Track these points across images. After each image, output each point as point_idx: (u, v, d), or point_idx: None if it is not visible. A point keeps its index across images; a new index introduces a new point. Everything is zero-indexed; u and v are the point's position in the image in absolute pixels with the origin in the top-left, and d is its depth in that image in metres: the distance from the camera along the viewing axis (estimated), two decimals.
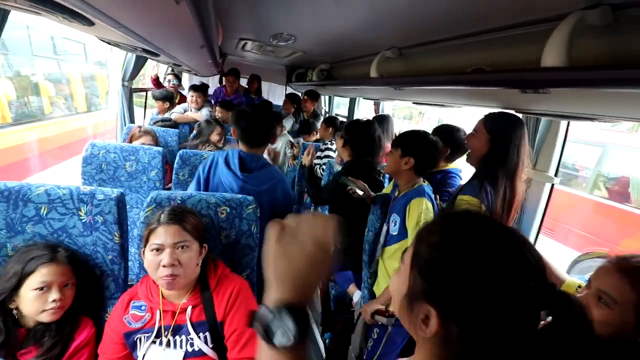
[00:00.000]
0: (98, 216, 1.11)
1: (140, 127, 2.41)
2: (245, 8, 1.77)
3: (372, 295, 1.54)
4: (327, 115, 4.35)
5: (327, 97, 4.97)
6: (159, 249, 0.96)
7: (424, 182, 1.44)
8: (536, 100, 1.19)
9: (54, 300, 0.95)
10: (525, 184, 1.37)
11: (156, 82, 3.81)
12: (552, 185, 1.64)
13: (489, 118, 1.34)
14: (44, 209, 1.07)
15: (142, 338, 0.99)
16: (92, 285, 1.12)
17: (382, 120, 2.50)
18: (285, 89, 5.52)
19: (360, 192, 1.62)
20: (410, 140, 1.43)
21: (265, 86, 5.36)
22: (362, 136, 1.87)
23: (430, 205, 1.35)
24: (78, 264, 1.06)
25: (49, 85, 3.93)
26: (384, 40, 1.81)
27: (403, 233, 1.38)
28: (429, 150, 1.42)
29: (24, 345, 0.95)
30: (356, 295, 1.87)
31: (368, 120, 1.99)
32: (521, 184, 1.30)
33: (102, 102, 5.52)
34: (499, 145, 1.28)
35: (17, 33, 3.33)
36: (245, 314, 1.02)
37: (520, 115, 1.56)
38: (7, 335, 0.91)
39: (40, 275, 0.95)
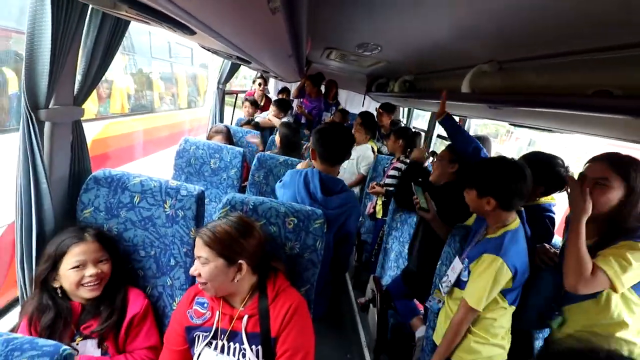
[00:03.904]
0: (180, 210, 1.19)
1: (212, 127, 2.62)
2: (334, 18, 1.76)
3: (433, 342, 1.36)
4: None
5: (406, 109, 4.76)
6: (198, 257, 1.00)
7: (513, 222, 1.21)
8: None
9: (90, 275, 1.04)
10: None
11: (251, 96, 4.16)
12: None
13: (624, 165, 1.07)
14: (137, 198, 1.19)
15: (201, 336, 1.02)
16: (128, 259, 1.22)
17: (481, 141, 2.27)
18: (364, 99, 5.47)
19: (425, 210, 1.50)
20: (486, 176, 1.20)
21: (343, 94, 5.39)
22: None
23: (506, 269, 1.13)
24: (107, 241, 1.13)
25: (160, 83, 4.55)
26: (480, 52, 1.61)
27: None
28: (511, 184, 1.17)
29: (83, 321, 1.05)
30: (420, 331, 1.70)
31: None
32: None
33: (200, 100, 6.20)
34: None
35: (141, 37, 3.93)
36: (299, 333, 0.98)
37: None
38: (58, 309, 1.01)
39: (73, 254, 1.04)
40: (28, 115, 1.02)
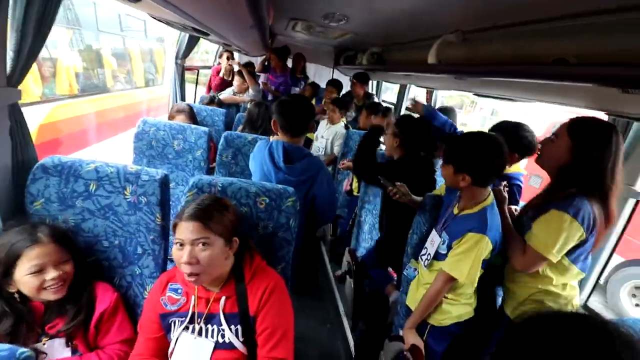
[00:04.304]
0: (142, 197, 1.12)
1: (173, 106, 2.48)
2: None
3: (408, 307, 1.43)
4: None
5: (374, 82, 4.74)
6: (181, 244, 0.93)
7: (489, 198, 1.24)
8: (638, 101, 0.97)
9: (53, 279, 0.95)
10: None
11: (217, 73, 3.91)
12: (637, 201, 1.40)
13: (577, 125, 1.11)
14: (93, 186, 1.10)
15: (177, 322, 1.00)
16: (91, 251, 1.14)
17: (445, 113, 2.30)
18: (333, 72, 5.37)
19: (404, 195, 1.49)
20: (464, 153, 1.20)
21: (311, 68, 5.24)
22: (418, 134, 1.68)
23: (489, 244, 1.17)
24: (64, 239, 1.03)
25: (112, 59, 4.17)
26: (446, 22, 1.61)
27: None
28: (488, 161, 1.17)
29: (48, 320, 0.98)
30: (394, 295, 1.78)
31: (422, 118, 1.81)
32: (614, 209, 1.10)
33: (158, 78, 5.79)
34: (587, 157, 1.07)
35: (86, 10, 3.54)
36: (277, 311, 0.99)
37: (606, 118, 1.33)
38: (18, 314, 0.93)
39: (29, 259, 0.93)
40: None
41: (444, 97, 3.15)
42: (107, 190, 1.11)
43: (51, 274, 0.95)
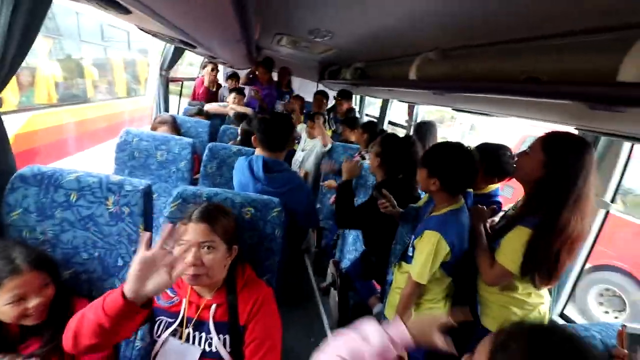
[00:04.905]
0: (125, 207, 1.10)
1: (157, 117, 2.47)
2: (284, 2, 1.72)
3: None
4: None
5: (358, 97, 4.86)
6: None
7: (459, 202, 1.31)
8: (607, 118, 1.05)
9: (35, 306, 0.90)
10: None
11: (202, 84, 3.93)
12: (607, 212, 1.48)
13: (550, 139, 1.16)
14: (74, 196, 1.08)
15: (165, 322, 0.98)
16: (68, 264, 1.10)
17: (425, 127, 2.38)
18: (317, 86, 5.46)
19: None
20: (437, 159, 1.29)
21: (296, 82, 5.33)
22: (398, 154, 1.68)
23: (445, 244, 1.21)
24: (46, 263, 0.97)
25: (93, 69, 4.10)
26: (426, 40, 1.69)
27: None
28: (457, 170, 1.25)
29: (22, 341, 0.93)
30: (377, 307, 1.79)
31: (407, 136, 1.85)
32: (587, 222, 1.15)
33: (141, 89, 5.72)
34: (559, 172, 1.11)
35: (67, 19, 3.49)
36: (266, 324, 0.99)
37: (576, 132, 1.41)
38: None
39: (8, 289, 0.87)
40: None
41: (424, 112, 3.26)
42: (89, 200, 1.09)
43: (33, 302, 0.90)
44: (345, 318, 1.97)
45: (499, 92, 1.27)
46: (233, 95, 3.42)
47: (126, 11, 0.91)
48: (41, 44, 3.04)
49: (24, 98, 2.86)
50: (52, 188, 1.07)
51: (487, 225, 1.40)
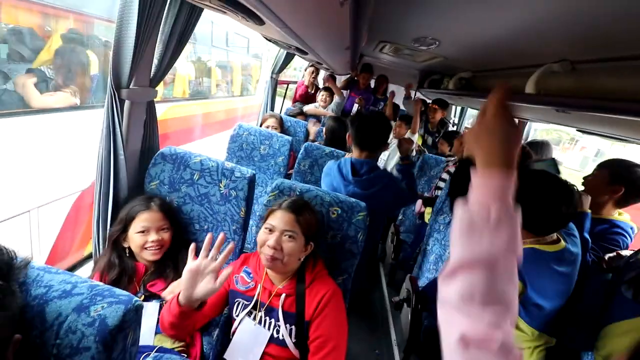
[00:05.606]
0: (232, 190, 1.27)
1: (267, 113, 2.74)
2: (392, 10, 1.72)
3: None
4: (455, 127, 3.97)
5: (459, 108, 4.54)
6: (271, 230, 1.03)
7: (555, 245, 1.11)
8: None
9: (152, 241, 1.15)
10: None
11: (304, 85, 4.23)
12: None
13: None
14: (197, 175, 1.29)
15: (241, 304, 1.09)
16: (185, 231, 1.32)
17: (538, 147, 2.12)
18: (415, 94, 5.29)
19: None
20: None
21: (392, 89, 5.26)
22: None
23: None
24: (170, 211, 1.24)
25: (217, 71, 4.81)
26: (551, 50, 1.49)
27: None
28: (538, 207, 1.05)
29: (148, 280, 1.17)
30: None
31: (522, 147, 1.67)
32: None
33: (252, 89, 6.45)
34: None
35: (203, 27, 4.17)
36: (332, 322, 1.00)
37: None
38: (123, 267, 1.14)
39: (140, 220, 1.16)
40: (112, 94, 1.15)
41: (538, 131, 2.86)
42: (207, 180, 1.29)
43: (152, 237, 1.16)
44: (416, 339, 1.87)
45: None
46: (322, 94, 3.55)
47: (261, 22, 1.06)
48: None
49: (165, 91, 3.53)
50: (182, 167, 1.30)
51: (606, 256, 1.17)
